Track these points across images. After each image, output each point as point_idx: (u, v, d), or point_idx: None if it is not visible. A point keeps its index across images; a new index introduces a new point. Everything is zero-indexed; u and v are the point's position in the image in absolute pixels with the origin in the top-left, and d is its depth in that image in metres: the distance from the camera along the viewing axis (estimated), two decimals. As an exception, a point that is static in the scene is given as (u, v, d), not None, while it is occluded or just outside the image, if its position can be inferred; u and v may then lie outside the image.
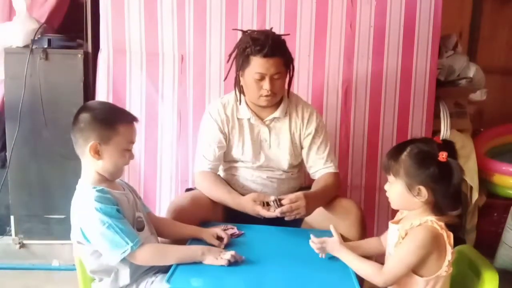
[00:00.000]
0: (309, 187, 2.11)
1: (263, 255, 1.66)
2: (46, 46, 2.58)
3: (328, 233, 1.84)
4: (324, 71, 2.63)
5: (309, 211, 1.88)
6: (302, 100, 2.21)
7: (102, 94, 2.58)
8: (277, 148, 2.12)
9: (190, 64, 2.60)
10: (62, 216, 2.70)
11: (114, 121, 1.57)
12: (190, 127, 2.59)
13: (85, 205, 1.52)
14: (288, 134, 2.11)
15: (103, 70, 2.57)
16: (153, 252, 1.55)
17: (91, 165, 1.57)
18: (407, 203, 1.50)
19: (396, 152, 1.51)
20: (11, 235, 2.71)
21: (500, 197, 2.96)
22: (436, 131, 2.79)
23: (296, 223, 2.04)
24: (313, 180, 2.14)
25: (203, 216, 1.94)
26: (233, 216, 1.97)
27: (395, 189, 1.51)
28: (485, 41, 3.64)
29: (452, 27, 3.26)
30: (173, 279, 1.46)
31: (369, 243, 1.69)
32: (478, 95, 3.15)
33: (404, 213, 1.58)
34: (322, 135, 2.13)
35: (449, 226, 3.00)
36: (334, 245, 1.59)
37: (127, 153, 1.61)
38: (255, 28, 2.43)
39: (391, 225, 1.57)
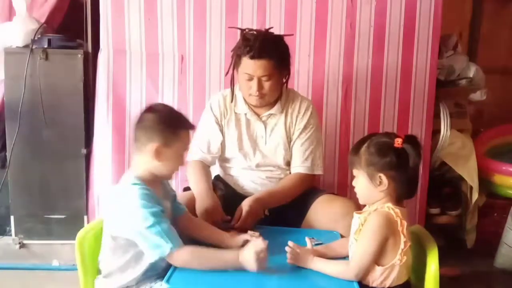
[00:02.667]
0: (312, 187, 2.13)
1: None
2: (46, 46, 2.57)
3: (328, 233, 1.85)
4: (324, 71, 2.63)
5: (258, 214, 1.90)
6: (301, 96, 2.20)
7: (102, 94, 2.58)
8: (273, 144, 2.11)
9: (190, 64, 2.60)
10: (62, 216, 2.70)
11: (177, 126, 1.61)
12: (190, 127, 2.58)
13: (130, 200, 1.52)
14: (283, 130, 2.11)
15: (103, 70, 2.57)
16: (193, 256, 1.52)
17: (146, 163, 1.59)
18: (371, 194, 1.54)
19: (357, 146, 1.58)
20: (11, 235, 2.71)
21: (500, 197, 2.96)
22: (436, 131, 2.79)
23: (296, 223, 2.04)
24: (317, 180, 2.14)
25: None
26: (232, 216, 1.97)
27: (360, 182, 1.56)
28: (485, 41, 3.64)
29: (452, 27, 3.26)
30: (172, 279, 1.46)
31: (342, 244, 1.69)
32: (478, 95, 3.15)
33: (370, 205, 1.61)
34: (309, 132, 2.11)
35: (449, 226, 3.03)
36: (305, 259, 1.57)
37: (182, 158, 1.64)
38: (255, 28, 2.43)
39: (355, 214, 1.60)
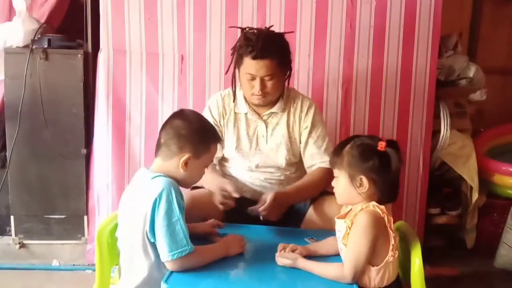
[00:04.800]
0: None
1: (262, 255, 1.65)
2: (46, 46, 2.57)
3: (327, 233, 1.84)
4: (324, 71, 2.63)
5: (281, 210, 1.89)
6: (301, 94, 2.20)
7: (102, 94, 2.58)
8: (274, 143, 2.11)
9: (190, 64, 2.60)
10: (62, 216, 2.70)
11: (209, 138, 1.63)
12: (190, 127, 2.58)
13: (163, 192, 1.48)
14: (285, 129, 2.10)
15: (103, 70, 2.57)
16: (197, 257, 1.52)
17: (170, 170, 1.58)
18: (350, 196, 1.55)
19: (340, 146, 1.58)
20: (11, 235, 2.71)
21: (500, 197, 2.95)
22: (436, 131, 2.79)
23: (296, 223, 2.04)
24: None
25: (202, 217, 1.93)
26: (233, 216, 1.97)
27: (340, 182, 1.57)
28: (485, 41, 3.64)
29: (452, 27, 3.26)
30: (171, 279, 1.46)
31: (330, 242, 1.69)
32: (478, 95, 3.15)
33: (348, 207, 1.61)
34: (319, 129, 2.11)
35: (449, 226, 3.03)
36: (294, 263, 1.56)
37: (204, 169, 1.67)
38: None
39: (337, 220, 1.60)
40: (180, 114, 1.65)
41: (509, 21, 3.70)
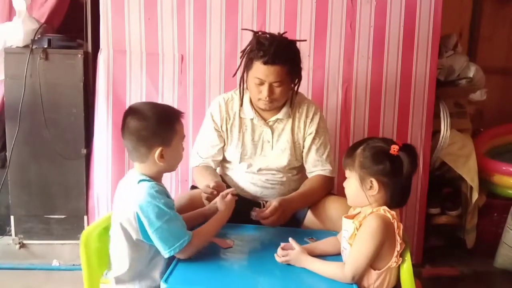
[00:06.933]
0: None
1: (262, 255, 1.66)
2: (46, 46, 2.57)
3: (328, 233, 1.85)
4: (324, 71, 2.63)
5: (285, 217, 1.88)
6: (307, 99, 2.20)
7: (102, 94, 2.58)
8: (279, 149, 2.10)
9: (190, 64, 2.60)
10: (62, 216, 2.70)
11: (171, 122, 1.60)
12: (190, 127, 2.59)
13: (143, 196, 1.52)
14: (290, 134, 2.10)
15: (103, 70, 2.57)
16: (198, 239, 1.56)
17: (151, 168, 1.60)
18: (361, 198, 1.54)
19: (353, 148, 1.58)
20: (11, 235, 2.71)
21: (500, 197, 2.95)
22: (436, 131, 2.80)
23: (297, 223, 2.04)
24: None
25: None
26: (232, 216, 1.96)
27: (350, 184, 1.56)
28: (485, 41, 3.64)
29: (452, 27, 3.26)
30: (171, 279, 1.46)
31: (328, 242, 1.70)
32: (478, 95, 3.15)
33: (357, 209, 1.61)
34: (322, 136, 2.12)
35: (449, 226, 3.03)
36: (297, 257, 1.57)
37: (182, 148, 1.67)
38: (255, 28, 2.43)
39: (345, 220, 1.59)
40: (132, 114, 1.59)
41: (509, 21, 3.70)
